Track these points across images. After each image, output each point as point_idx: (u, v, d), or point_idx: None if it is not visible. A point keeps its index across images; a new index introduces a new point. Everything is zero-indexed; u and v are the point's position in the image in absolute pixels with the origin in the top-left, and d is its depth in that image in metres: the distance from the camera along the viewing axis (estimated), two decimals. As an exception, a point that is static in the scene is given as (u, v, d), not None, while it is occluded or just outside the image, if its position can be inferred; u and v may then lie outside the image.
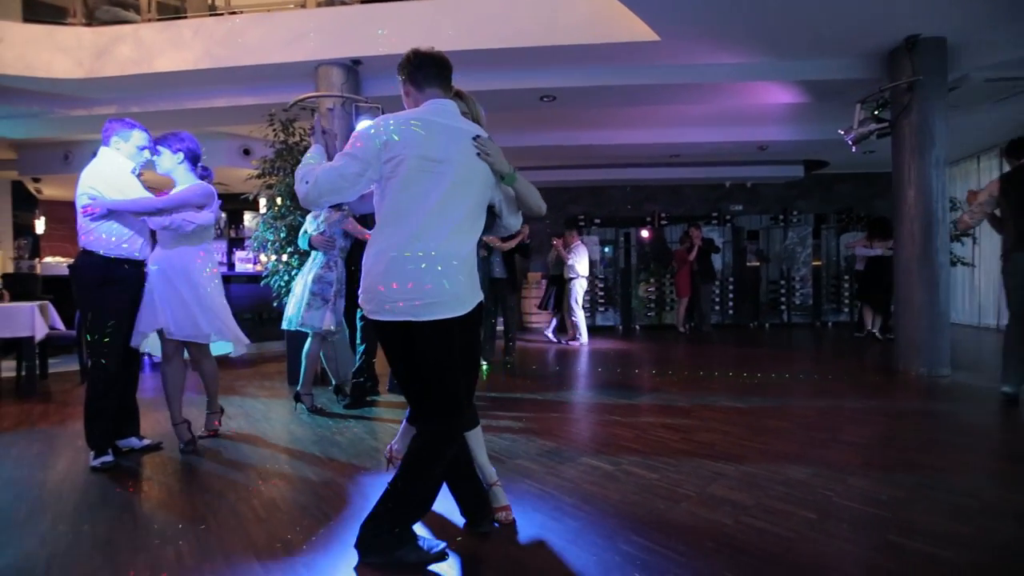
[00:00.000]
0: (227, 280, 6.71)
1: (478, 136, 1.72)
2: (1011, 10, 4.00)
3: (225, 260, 8.29)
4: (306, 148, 4.93)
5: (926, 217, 4.50)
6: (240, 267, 7.12)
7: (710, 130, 6.96)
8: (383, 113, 4.73)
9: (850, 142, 4.87)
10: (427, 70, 1.74)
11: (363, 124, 4.56)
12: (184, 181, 2.86)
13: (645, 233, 9.18)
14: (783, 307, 8.78)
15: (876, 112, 4.67)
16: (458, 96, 1.84)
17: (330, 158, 1.79)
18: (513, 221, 1.91)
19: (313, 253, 3.72)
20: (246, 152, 6.93)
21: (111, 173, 2.71)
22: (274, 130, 4.81)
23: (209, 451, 2.84)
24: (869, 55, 4.75)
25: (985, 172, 8.04)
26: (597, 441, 2.89)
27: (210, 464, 2.64)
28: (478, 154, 1.70)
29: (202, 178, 2.97)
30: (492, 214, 1.87)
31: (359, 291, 1.72)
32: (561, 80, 5.13)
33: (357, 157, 1.65)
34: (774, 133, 6.97)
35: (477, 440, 1.95)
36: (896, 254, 4.81)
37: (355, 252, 3.76)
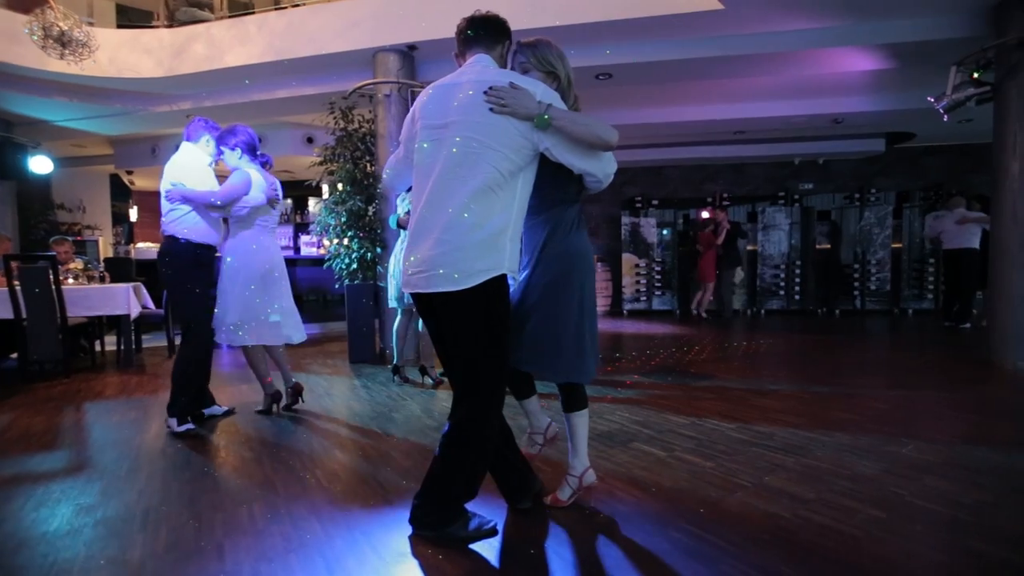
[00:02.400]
0: (293, 263, 7.10)
1: (491, 87, 1.54)
2: None
3: (292, 244, 8.77)
4: (364, 135, 5.12)
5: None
6: (305, 251, 7.50)
7: (778, 103, 6.50)
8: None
9: (942, 110, 4.40)
10: (464, 34, 1.72)
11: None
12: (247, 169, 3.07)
13: (706, 214, 8.79)
14: (856, 292, 8.17)
15: (977, 75, 4.18)
16: (517, 49, 1.75)
17: None
18: (588, 165, 1.65)
19: (402, 234, 3.86)
20: (309, 140, 7.25)
21: (192, 165, 2.96)
22: (334, 118, 4.99)
23: (276, 423, 3.05)
24: (969, 10, 4.24)
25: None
26: (650, 427, 2.84)
27: (278, 435, 2.84)
28: (491, 108, 1.54)
29: (263, 165, 3.16)
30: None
31: None
32: (618, 56, 4.95)
33: (400, 141, 1.80)
34: (851, 104, 6.41)
35: (582, 423, 1.90)
36: (994, 235, 4.34)
37: None
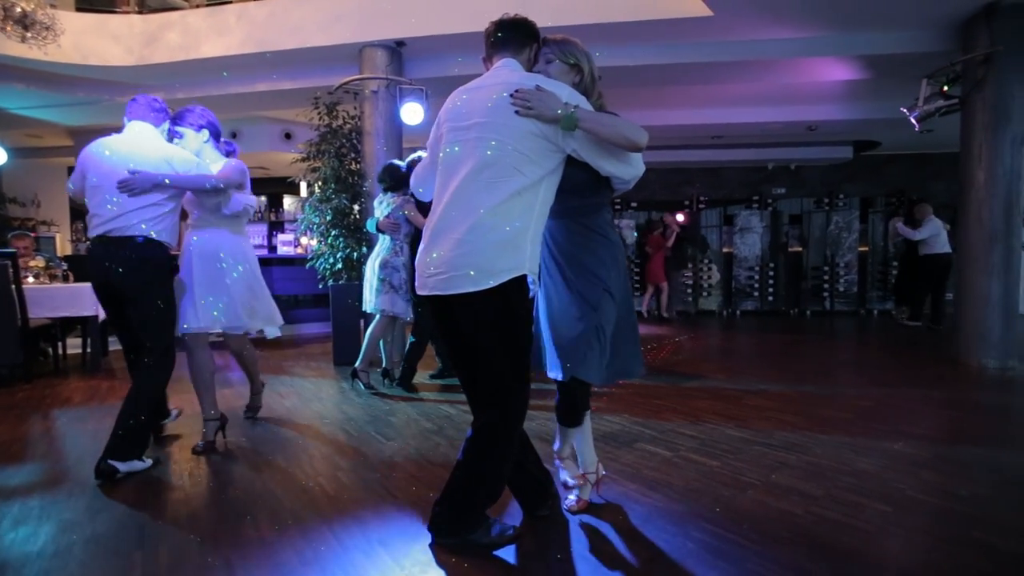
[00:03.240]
0: (268, 263, 6.87)
1: (517, 90, 1.53)
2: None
3: (266, 243, 8.48)
4: (350, 131, 5.00)
5: (1002, 200, 4.24)
6: (281, 250, 7.27)
7: (757, 110, 6.70)
8: (427, 95, 4.73)
9: (914, 120, 4.61)
10: (493, 39, 1.70)
11: (407, 106, 4.60)
12: (212, 160, 2.65)
13: (680, 217, 8.99)
14: (826, 294, 8.50)
15: (945, 88, 4.39)
16: (544, 44, 1.72)
17: None
18: (614, 167, 1.64)
19: (381, 237, 3.75)
20: (287, 136, 7.03)
21: (177, 152, 2.48)
22: (319, 113, 4.85)
23: (269, 430, 2.93)
24: (941, 25, 4.45)
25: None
26: (651, 427, 2.86)
27: (271, 443, 2.72)
28: (517, 111, 1.52)
29: (227, 154, 2.77)
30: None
31: None
32: (606, 59, 4.98)
33: (428, 145, 1.80)
34: (825, 112, 6.66)
35: (584, 429, 1.92)
36: (961, 240, 4.56)
37: (417, 241, 3.75)
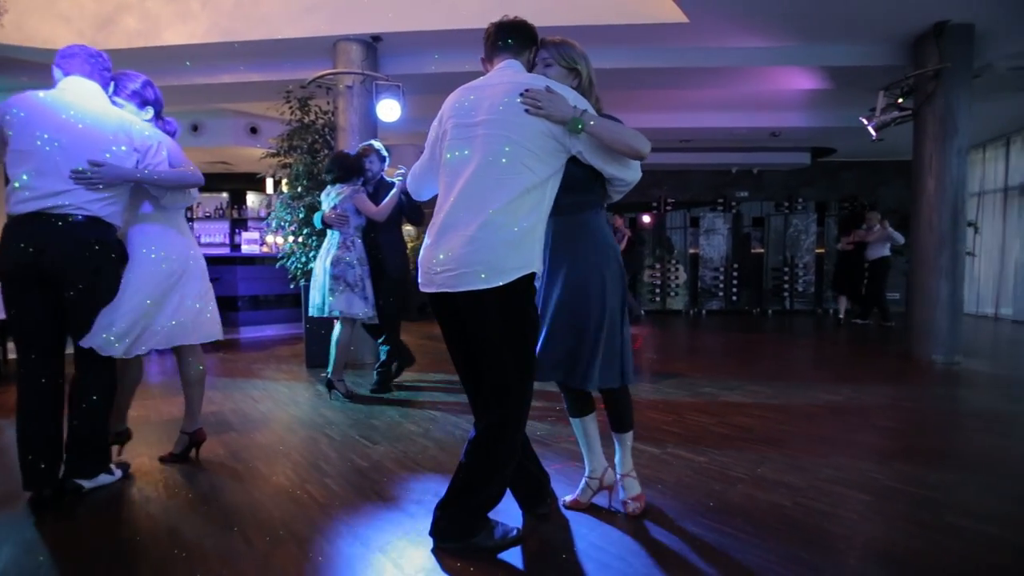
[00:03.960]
0: (231, 261, 6.60)
1: (528, 89, 1.55)
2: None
3: (228, 241, 8.14)
4: (323, 127, 4.86)
5: (949, 206, 4.53)
6: (246, 248, 6.99)
7: (724, 115, 6.91)
8: (403, 92, 4.65)
9: (872, 129, 4.87)
10: (493, 40, 1.70)
11: (383, 103, 4.50)
12: None
13: (647, 219, 9.23)
14: (786, 294, 8.88)
15: (900, 100, 4.66)
16: (542, 46, 1.73)
17: None
18: (618, 171, 1.68)
19: (329, 233, 3.51)
20: (253, 130, 6.77)
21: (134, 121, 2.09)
22: (290, 108, 4.69)
23: (245, 437, 2.81)
24: (896, 41, 4.72)
25: (991, 162, 8.11)
26: (637, 425, 2.89)
27: (250, 451, 2.61)
28: (526, 110, 1.53)
29: (168, 133, 2.34)
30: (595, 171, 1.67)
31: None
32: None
33: (427, 143, 1.77)
34: (788, 119, 6.95)
35: (582, 427, 1.92)
36: (913, 244, 4.85)
37: (373, 234, 3.56)
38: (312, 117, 4.79)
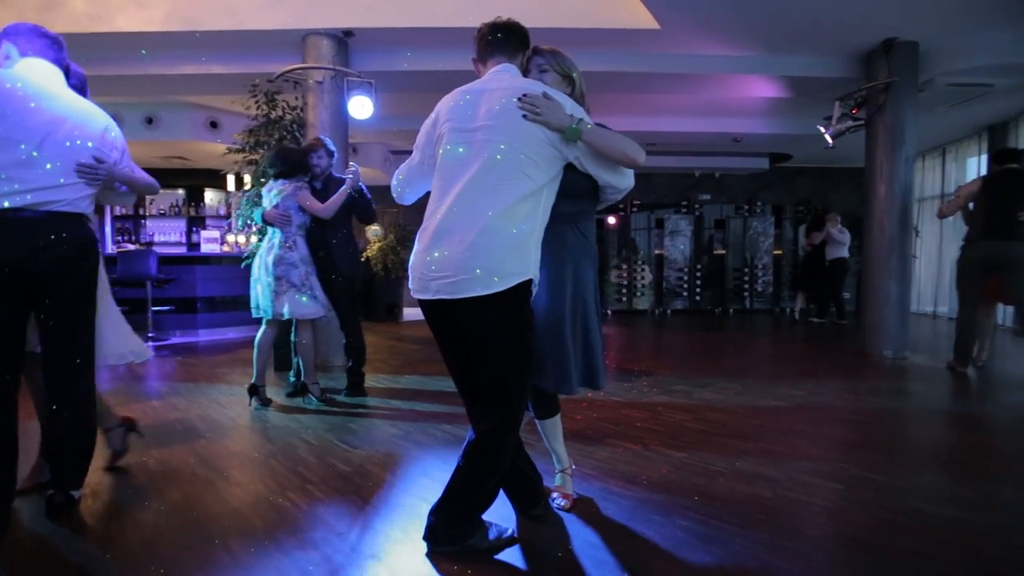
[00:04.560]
0: (190, 261, 6.30)
1: (525, 95, 1.56)
2: (982, 19, 4.32)
3: (185, 239, 7.78)
4: (291, 123, 4.71)
5: (898, 211, 4.83)
6: (207, 247, 6.69)
7: (690, 120, 7.13)
8: (374, 88, 4.56)
9: (829, 137, 5.13)
10: (489, 41, 1.70)
11: (356, 99, 4.41)
12: None
13: (612, 220, 9.43)
14: (746, 294, 9.23)
15: (855, 109, 4.93)
16: (535, 53, 1.76)
17: None
18: (612, 178, 1.71)
19: (270, 231, 3.34)
20: (213, 125, 6.48)
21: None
22: (256, 102, 4.53)
23: (216, 444, 2.69)
24: (850, 55, 5.00)
25: (929, 171, 8.70)
26: (616, 423, 2.96)
27: (223, 459, 2.50)
28: (524, 116, 1.54)
29: None
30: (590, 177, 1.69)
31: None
32: (556, 64, 5.09)
33: (417, 145, 1.73)
34: (749, 125, 7.24)
35: (554, 427, 1.95)
36: (865, 246, 5.14)
37: (318, 232, 3.39)
38: (280, 112, 4.64)
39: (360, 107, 4.45)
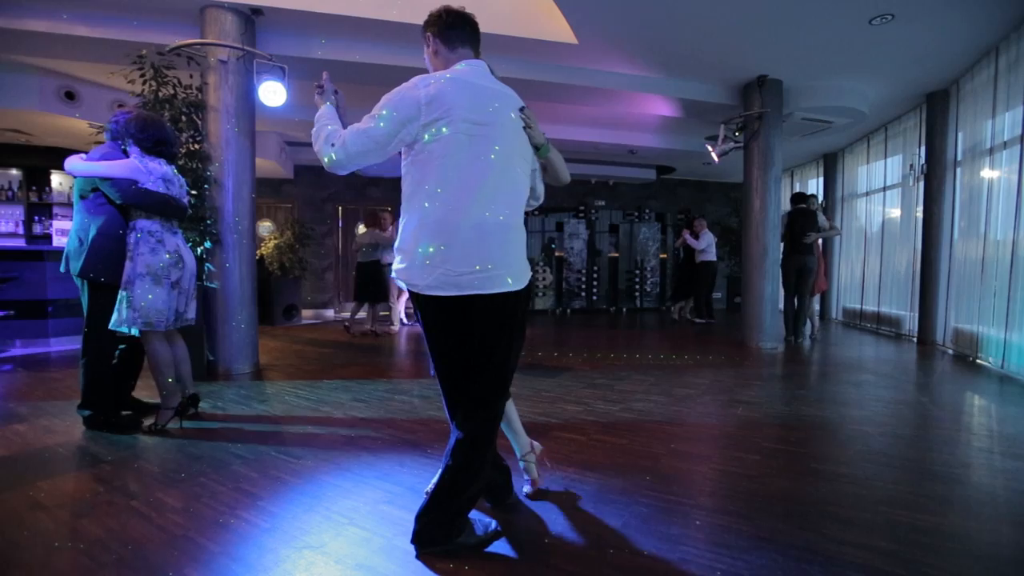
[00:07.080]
0: (38, 256, 5.26)
1: (524, 107, 1.72)
2: (830, 68, 5.24)
3: (23, 231, 6.47)
4: (184, 103, 4.17)
5: (770, 223, 5.65)
6: (59, 241, 5.63)
7: (595, 131, 7.62)
8: (286, 74, 4.22)
9: (715, 155, 5.85)
10: (460, 29, 1.71)
11: (267, 85, 4.05)
12: None
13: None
14: (637, 294, 10.09)
15: (736, 133, 5.68)
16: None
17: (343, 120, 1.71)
18: (542, 189, 1.90)
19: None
20: (69, 96, 5.46)
21: None
22: (143, 76, 3.95)
23: (126, 466, 2.33)
24: (732, 85, 5.75)
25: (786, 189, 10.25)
26: (553, 415, 3.10)
27: (145, 481, 2.18)
28: (524, 127, 1.70)
29: None
30: None
31: (399, 267, 1.61)
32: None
33: (389, 118, 1.56)
34: (645, 139, 7.93)
35: (510, 413, 1.99)
36: (744, 252, 5.94)
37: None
38: (171, 91, 4.09)
39: (271, 93, 4.10)
